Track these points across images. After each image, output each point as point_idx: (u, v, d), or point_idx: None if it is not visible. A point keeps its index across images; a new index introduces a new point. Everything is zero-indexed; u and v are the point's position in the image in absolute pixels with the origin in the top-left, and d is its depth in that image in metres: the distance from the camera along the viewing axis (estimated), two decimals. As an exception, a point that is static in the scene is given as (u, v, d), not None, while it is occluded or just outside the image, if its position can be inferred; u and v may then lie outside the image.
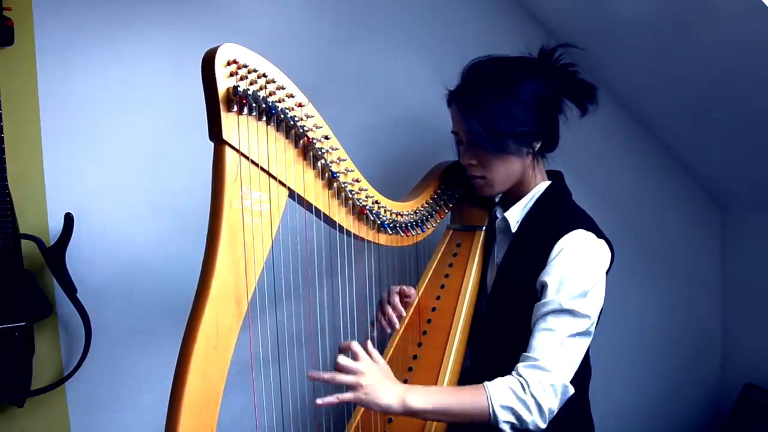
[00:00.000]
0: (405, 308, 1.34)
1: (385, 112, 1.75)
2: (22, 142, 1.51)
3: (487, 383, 1.07)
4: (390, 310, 1.32)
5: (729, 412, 1.81)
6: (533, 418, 1.05)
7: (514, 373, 1.09)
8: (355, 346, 1.06)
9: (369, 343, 1.08)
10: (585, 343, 1.13)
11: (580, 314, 1.10)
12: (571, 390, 1.10)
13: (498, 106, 1.19)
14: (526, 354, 1.10)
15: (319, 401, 1.01)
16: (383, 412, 1.06)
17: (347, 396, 1.02)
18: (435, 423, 1.19)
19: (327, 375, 1.02)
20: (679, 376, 1.98)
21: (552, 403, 1.07)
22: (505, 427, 1.06)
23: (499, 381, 1.08)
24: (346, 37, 1.71)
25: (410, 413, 1.04)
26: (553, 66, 1.27)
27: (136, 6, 1.57)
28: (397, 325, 1.32)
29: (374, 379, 1.03)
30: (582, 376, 1.30)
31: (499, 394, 1.05)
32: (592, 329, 1.14)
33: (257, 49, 0.98)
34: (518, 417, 1.05)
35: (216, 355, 0.93)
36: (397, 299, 1.33)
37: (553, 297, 1.11)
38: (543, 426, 1.07)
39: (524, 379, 1.07)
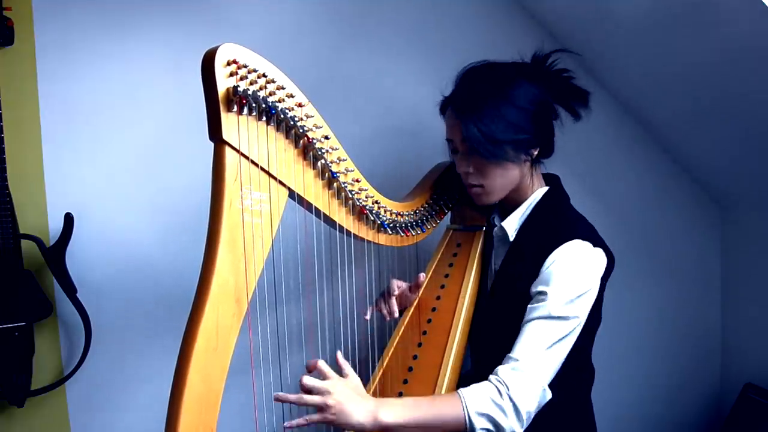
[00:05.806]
0: (407, 305, 1.36)
1: (385, 112, 1.74)
2: (22, 142, 1.52)
3: (462, 390, 1.06)
4: (383, 307, 1.35)
5: (729, 412, 1.81)
6: (510, 424, 1.05)
7: (492, 377, 1.08)
8: (321, 365, 1.03)
9: (339, 355, 1.07)
10: (568, 346, 1.12)
11: (567, 318, 1.10)
12: (549, 395, 1.10)
13: (496, 113, 1.17)
14: (509, 356, 1.10)
15: (286, 425, 0.99)
16: None
17: (315, 417, 0.99)
18: None
19: (293, 397, 0.99)
20: (679, 376, 1.98)
21: (531, 407, 1.06)
22: None
23: (474, 388, 1.07)
24: (347, 38, 1.71)
25: (384, 429, 1.01)
26: (547, 71, 1.26)
27: (136, 6, 1.58)
28: (396, 315, 1.34)
29: (343, 397, 1.00)
30: (585, 378, 1.30)
31: (474, 401, 1.04)
32: (578, 330, 1.13)
33: (258, 49, 0.98)
34: (495, 423, 1.04)
35: (216, 355, 0.93)
36: (393, 301, 1.35)
37: (542, 304, 1.11)
38: (520, 430, 1.06)
39: (504, 382, 1.06)
